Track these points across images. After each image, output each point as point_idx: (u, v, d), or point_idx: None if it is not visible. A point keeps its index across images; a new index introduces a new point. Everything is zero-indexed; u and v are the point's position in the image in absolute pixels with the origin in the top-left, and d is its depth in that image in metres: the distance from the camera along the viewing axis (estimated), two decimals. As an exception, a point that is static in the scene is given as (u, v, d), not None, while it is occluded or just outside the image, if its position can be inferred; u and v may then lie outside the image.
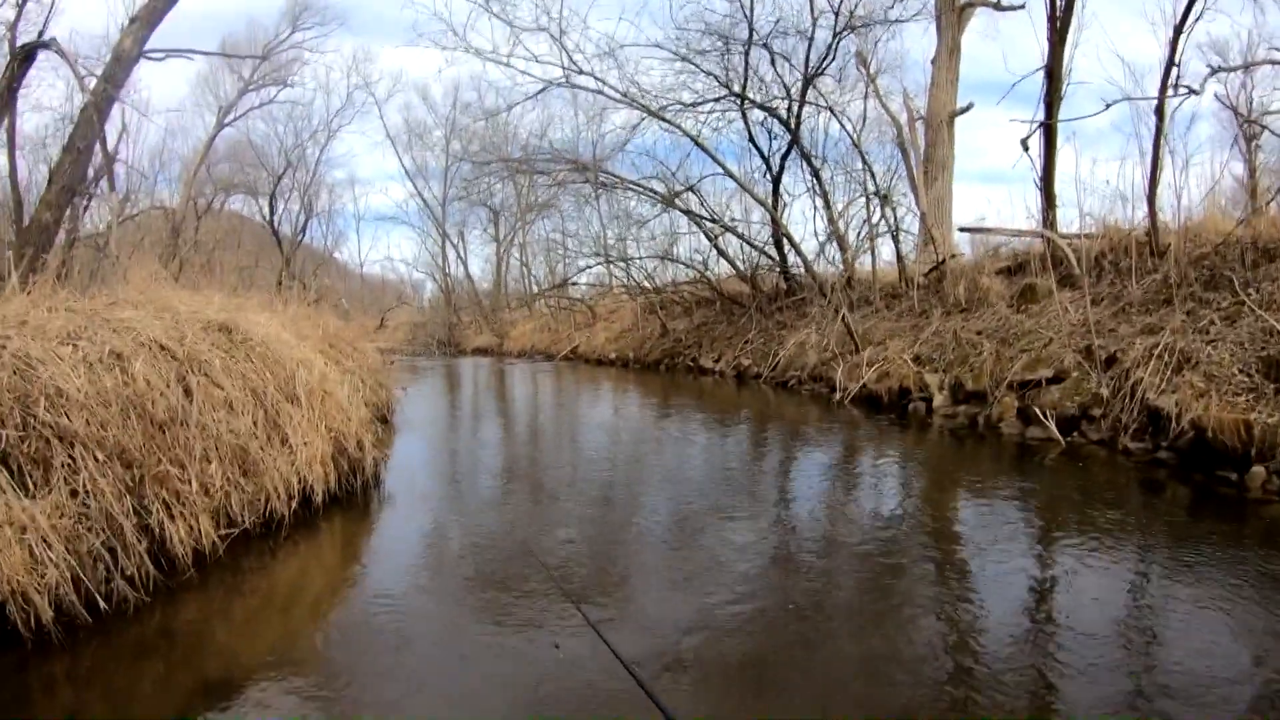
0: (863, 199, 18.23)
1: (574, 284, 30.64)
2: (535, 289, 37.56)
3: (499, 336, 35.91)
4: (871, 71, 17.75)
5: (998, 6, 18.69)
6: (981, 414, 9.96)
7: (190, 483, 5.33)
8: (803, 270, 19.72)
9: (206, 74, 30.12)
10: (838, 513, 6.84)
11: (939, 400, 11.01)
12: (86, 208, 19.38)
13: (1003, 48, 36.48)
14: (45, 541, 4.09)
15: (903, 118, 17.85)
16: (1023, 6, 18.06)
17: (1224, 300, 9.13)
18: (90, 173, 15.24)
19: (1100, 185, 14.01)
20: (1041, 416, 8.97)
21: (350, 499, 7.22)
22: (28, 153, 17.94)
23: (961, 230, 15.21)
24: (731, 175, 19.45)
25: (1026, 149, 13.16)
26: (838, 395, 13.02)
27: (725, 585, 4.93)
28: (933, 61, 19.08)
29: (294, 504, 6.31)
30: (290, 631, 4.68)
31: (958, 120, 19.27)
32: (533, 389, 20.00)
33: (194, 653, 4.24)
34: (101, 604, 4.35)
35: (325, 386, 7.52)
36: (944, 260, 15.00)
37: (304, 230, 35.29)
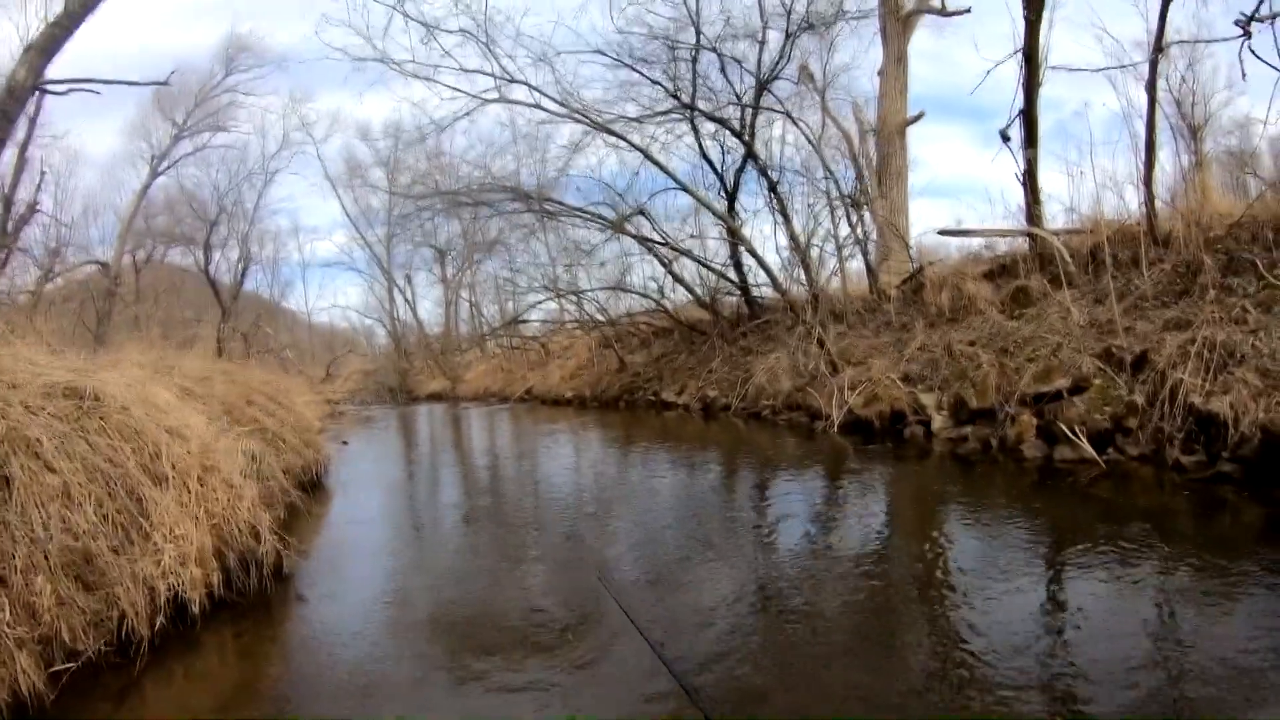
0: (826, 210, 17.01)
1: (524, 321, 29.27)
2: (486, 330, 36.13)
3: (452, 380, 34.78)
4: (819, 85, 16.74)
5: (943, 11, 17.90)
6: (994, 435, 8.54)
7: (3, 608, 3.83)
8: (764, 292, 18.68)
9: (138, 122, 28.53)
10: (838, 573, 5.32)
11: (939, 422, 9.63)
12: (5, 261, 18.10)
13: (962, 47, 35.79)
14: None
15: (854, 130, 16.98)
16: (969, 10, 17.40)
17: (1250, 286, 8.11)
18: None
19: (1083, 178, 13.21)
20: (1069, 434, 7.61)
21: (245, 601, 5.63)
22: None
23: (941, 233, 13.99)
24: (685, 187, 18.15)
25: (1007, 140, 12.00)
26: (821, 424, 11.60)
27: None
28: (880, 73, 18.34)
29: (160, 619, 4.75)
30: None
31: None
32: (484, 436, 18.52)
33: None
34: None
35: (207, 460, 6.00)
36: (920, 268, 13.79)
37: (243, 279, 33.56)
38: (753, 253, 17.57)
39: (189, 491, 5.52)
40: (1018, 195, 12.16)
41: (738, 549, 6.29)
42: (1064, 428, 7.70)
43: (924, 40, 27.58)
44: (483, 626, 4.95)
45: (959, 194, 36.06)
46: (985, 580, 4.84)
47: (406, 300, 41.17)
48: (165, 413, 6.19)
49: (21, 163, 18.59)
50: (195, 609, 4.98)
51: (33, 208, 19.01)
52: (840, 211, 16.38)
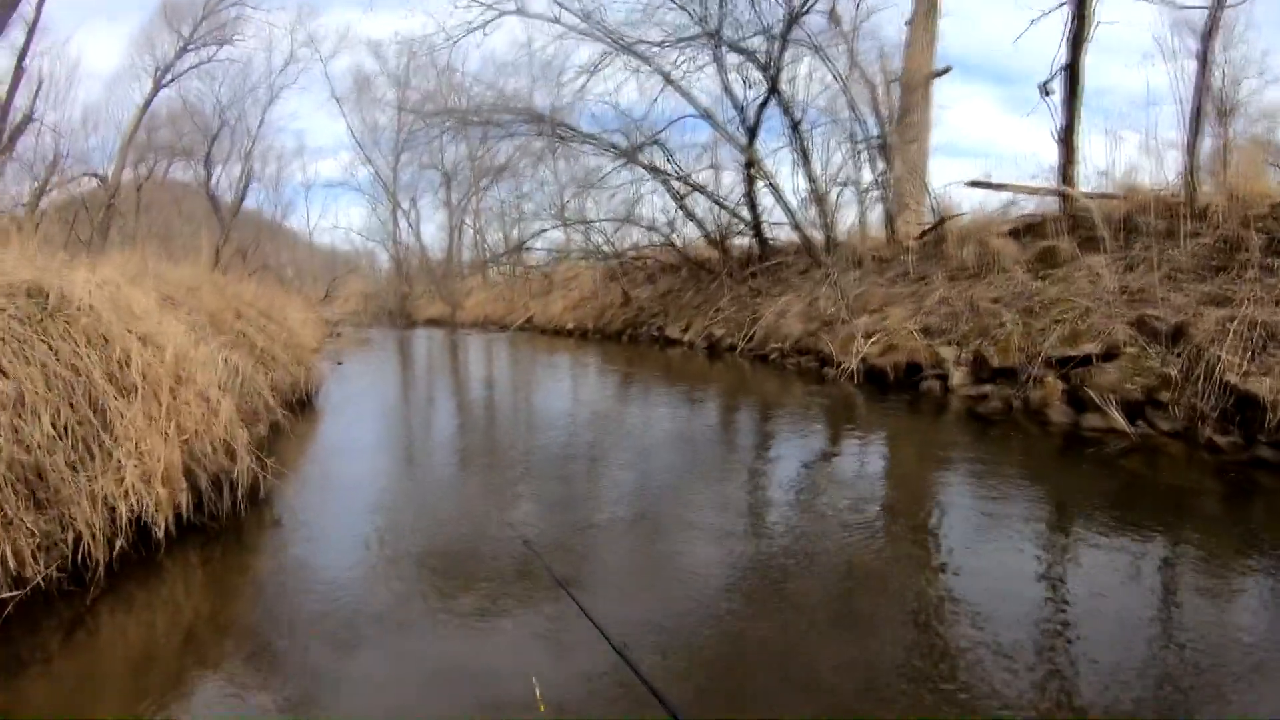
0: (850, 153, 16.46)
1: (529, 249, 28.72)
2: (489, 256, 35.59)
3: (452, 306, 34.23)
4: (846, 30, 16.15)
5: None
6: (1017, 395, 8.21)
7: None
8: (776, 233, 18.24)
9: (143, 34, 27.76)
10: (844, 533, 4.95)
11: (958, 378, 9.28)
12: (-1, 172, 17.62)
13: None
14: None
15: (879, 78, 16.45)
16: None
17: (1292, 269, 7.68)
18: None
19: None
20: (1099, 401, 7.27)
21: (216, 525, 5.23)
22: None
23: (970, 185, 13.45)
24: (705, 114, 17.59)
25: (1047, 94, 11.52)
26: (832, 371, 11.25)
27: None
28: (909, 22, 17.45)
29: (120, 542, 4.35)
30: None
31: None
32: (482, 363, 18.20)
33: None
34: None
35: (181, 371, 5.57)
36: (942, 219, 13.33)
37: (244, 196, 32.76)
38: (774, 188, 17.08)
39: (159, 404, 5.11)
40: (1046, 158, 11.71)
41: (731, 505, 5.98)
42: (1094, 395, 7.35)
43: (956, -1, 26.69)
44: (463, 565, 4.65)
45: (981, 156, 35.29)
46: (1001, 553, 4.56)
47: (410, 224, 40.34)
48: (139, 318, 5.74)
49: (19, 71, 18.06)
50: (160, 533, 4.59)
51: (28, 117, 18.54)
52: (864, 156, 15.88)
